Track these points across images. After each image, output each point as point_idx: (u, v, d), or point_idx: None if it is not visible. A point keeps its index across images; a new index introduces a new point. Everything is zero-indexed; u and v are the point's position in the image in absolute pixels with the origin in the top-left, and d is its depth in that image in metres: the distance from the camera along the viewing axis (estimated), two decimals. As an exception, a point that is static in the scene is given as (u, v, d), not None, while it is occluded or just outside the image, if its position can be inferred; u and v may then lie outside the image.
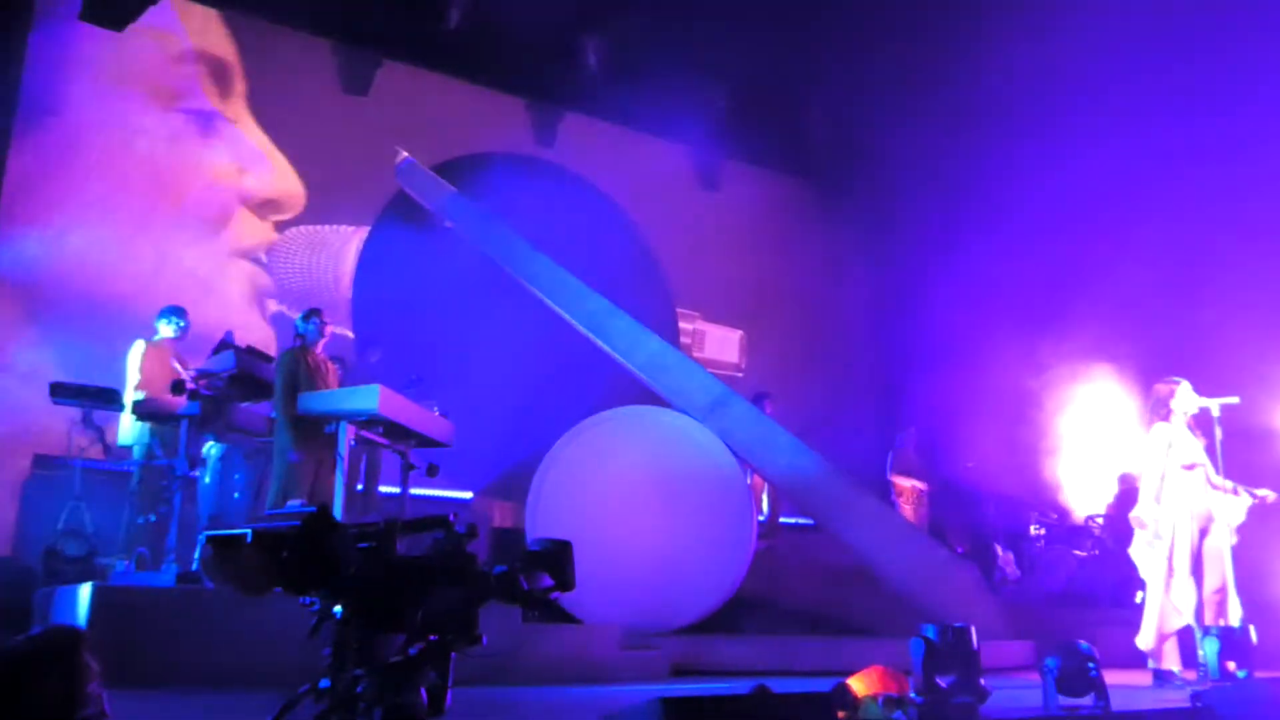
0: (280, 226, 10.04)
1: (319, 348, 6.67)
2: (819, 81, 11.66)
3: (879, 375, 13.46)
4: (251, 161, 9.91)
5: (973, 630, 4.15)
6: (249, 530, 2.27)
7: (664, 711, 2.96)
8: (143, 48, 9.42)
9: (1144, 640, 6.06)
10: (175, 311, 7.43)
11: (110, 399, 7.23)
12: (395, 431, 6.48)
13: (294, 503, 5.24)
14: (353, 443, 6.34)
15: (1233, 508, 6.09)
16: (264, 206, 9.93)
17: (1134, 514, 6.21)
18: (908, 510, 10.15)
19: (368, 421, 6.15)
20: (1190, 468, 6.10)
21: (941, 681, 4.03)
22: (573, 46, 10.86)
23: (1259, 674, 5.41)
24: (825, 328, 13.34)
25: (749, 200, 13.28)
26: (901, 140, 11.50)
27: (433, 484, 7.35)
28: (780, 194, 13.62)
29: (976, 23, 9.77)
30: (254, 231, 9.87)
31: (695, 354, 12.16)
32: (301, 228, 10.16)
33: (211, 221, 9.63)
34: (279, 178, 10.02)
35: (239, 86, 9.95)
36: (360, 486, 8.30)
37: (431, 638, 2.44)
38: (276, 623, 4.06)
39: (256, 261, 9.85)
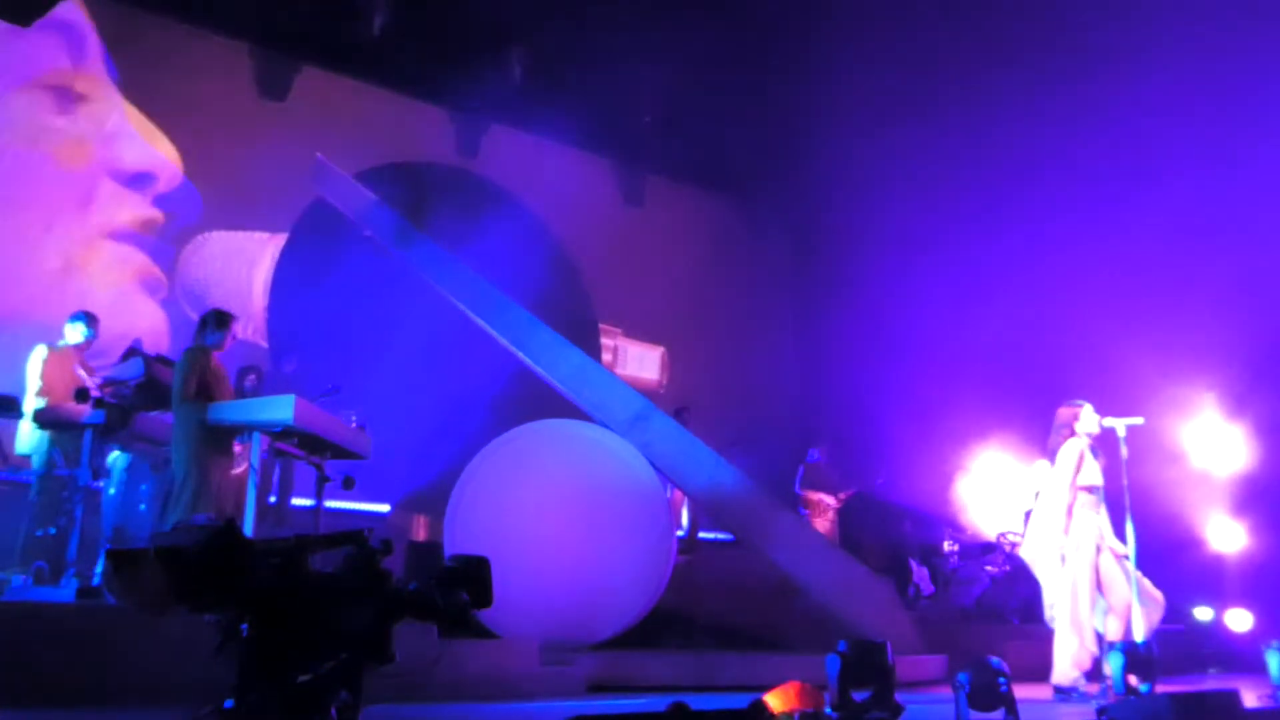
0: (192, 232, 9.80)
1: (219, 353, 6.36)
2: (744, 99, 11.77)
3: (799, 392, 13.61)
4: (158, 166, 9.66)
5: (889, 646, 4.19)
6: (151, 546, 2.19)
7: (581, 730, 2.93)
8: (47, 47, 9.13)
9: (1061, 673, 6.11)
10: (83, 317, 7.11)
11: (8, 406, 6.95)
12: (310, 443, 6.32)
13: (200, 517, 5.06)
14: (265, 454, 6.18)
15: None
16: (164, 211, 9.66)
17: (1038, 535, 6.34)
18: (819, 524, 10.27)
19: (282, 433, 5.99)
20: (1090, 489, 6.24)
21: (857, 697, 4.06)
22: (498, 57, 10.80)
23: (1161, 688, 5.55)
24: (747, 345, 13.45)
25: (672, 217, 13.35)
26: (825, 161, 11.68)
27: (349, 497, 7.21)
28: (704, 211, 13.72)
29: (898, 50, 10.00)
30: (155, 233, 9.61)
31: (616, 369, 12.16)
32: (216, 233, 9.93)
33: (117, 226, 9.35)
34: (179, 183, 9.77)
35: (150, 88, 9.68)
36: (273, 499, 8.13)
37: (342, 655, 2.38)
38: (181, 640, 3.92)
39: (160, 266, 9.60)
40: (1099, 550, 6.17)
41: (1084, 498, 6.23)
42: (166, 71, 9.72)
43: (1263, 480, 9.57)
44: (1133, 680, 5.55)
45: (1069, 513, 6.21)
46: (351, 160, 10.03)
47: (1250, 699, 5.59)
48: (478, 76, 10.73)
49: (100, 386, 6.39)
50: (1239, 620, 9.28)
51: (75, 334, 7.03)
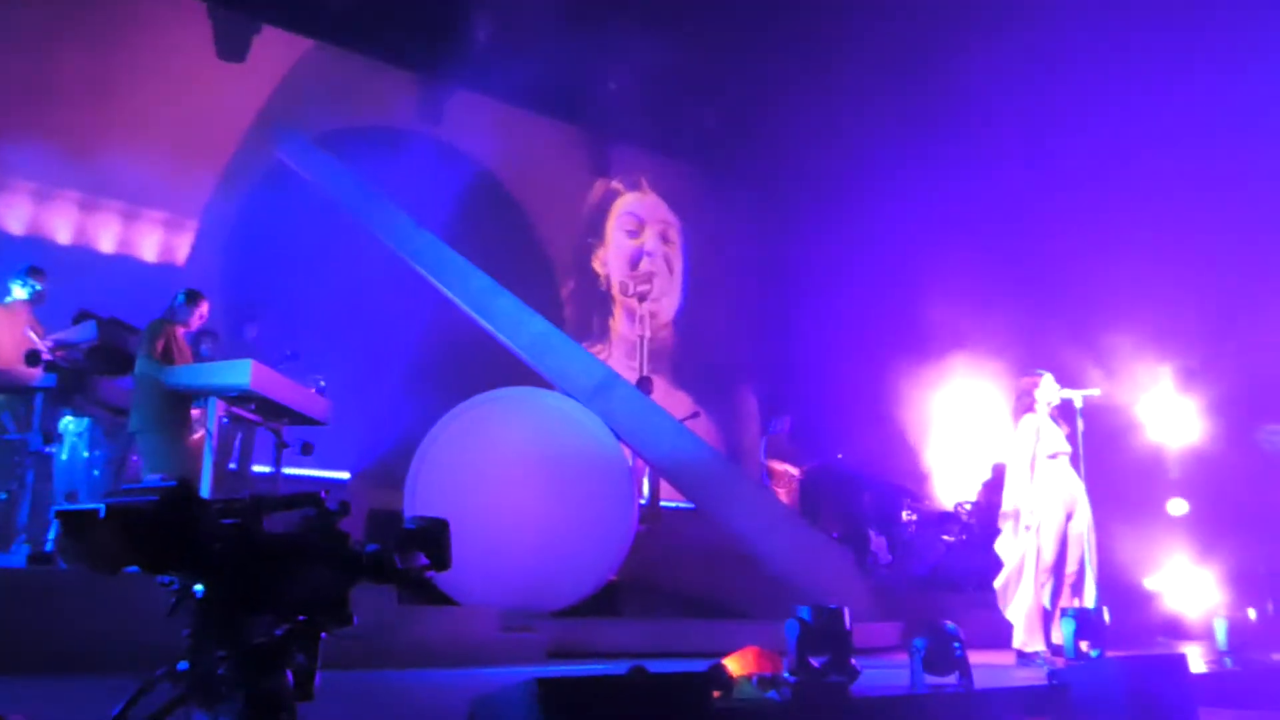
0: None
1: (183, 330, 6.31)
2: (710, 66, 11.72)
3: (762, 362, 13.65)
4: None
5: (846, 612, 4.22)
6: (102, 505, 2.14)
7: (540, 692, 2.92)
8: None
9: (1020, 634, 6.13)
10: (31, 271, 6.79)
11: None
12: (268, 408, 6.24)
13: (154, 477, 4.96)
14: (224, 419, 6.09)
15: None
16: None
17: (1004, 507, 6.36)
18: (781, 494, 10.34)
19: (239, 397, 5.91)
20: (1054, 457, 6.30)
21: (814, 661, 4.09)
22: (463, 21, 10.65)
23: (1111, 653, 5.65)
24: (711, 315, 13.46)
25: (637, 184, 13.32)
26: (790, 130, 11.66)
27: (308, 464, 7.14)
28: (670, 180, 13.68)
29: (867, 18, 9.99)
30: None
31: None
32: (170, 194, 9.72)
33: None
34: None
35: (106, 46, 9.42)
36: (233, 465, 8.02)
37: (300, 618, 2.35)
38: (134, 603, 3.88)
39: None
40: (1069, 517, 6.22)
41: (1050, 465, 6.27)
42: (123, 30, 9.47)
43: (1214, 453, 9.75)
44: (1084, 646, 5.65)
45: (1031, 481, 6.26)
46: (311, 123, 9.87)
47: (1197, 664, 5.73)
48: (442, 40, 10.57)
49: (51, 349, 6.23)
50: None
51: (22, 290, 6.74)
